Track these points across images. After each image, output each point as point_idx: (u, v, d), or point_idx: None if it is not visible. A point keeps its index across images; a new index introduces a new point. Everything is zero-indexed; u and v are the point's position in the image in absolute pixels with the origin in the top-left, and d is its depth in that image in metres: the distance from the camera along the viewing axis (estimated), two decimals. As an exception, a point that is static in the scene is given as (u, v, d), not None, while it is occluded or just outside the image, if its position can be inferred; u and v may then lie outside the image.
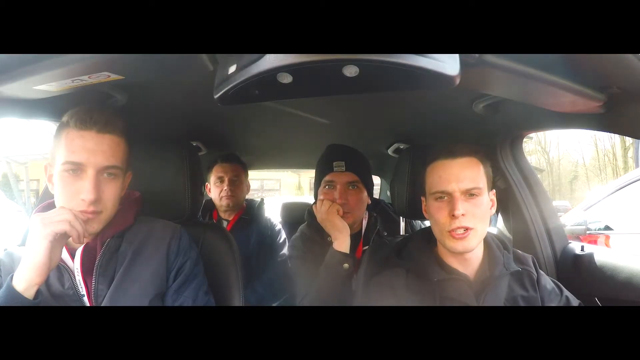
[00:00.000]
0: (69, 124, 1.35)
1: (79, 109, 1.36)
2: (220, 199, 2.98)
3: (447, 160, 1.50)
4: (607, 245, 4.76)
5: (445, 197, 1.48)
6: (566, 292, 1.60)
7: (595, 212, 5.19)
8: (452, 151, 1.51)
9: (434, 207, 1.51)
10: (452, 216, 1.44)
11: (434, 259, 1.55)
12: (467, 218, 1.43)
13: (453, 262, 1.52)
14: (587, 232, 4.87)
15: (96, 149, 1.34)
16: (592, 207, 5.31)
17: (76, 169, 1.33)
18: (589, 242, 4.68)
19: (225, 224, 3.02)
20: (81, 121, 1.34)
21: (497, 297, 1.48)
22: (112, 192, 1.39)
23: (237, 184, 3.02)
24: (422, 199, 1.58)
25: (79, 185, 1.32)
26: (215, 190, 3.02)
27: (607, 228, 4.93)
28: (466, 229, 1.43)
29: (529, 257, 1.65)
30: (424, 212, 1.59)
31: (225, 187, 2.96)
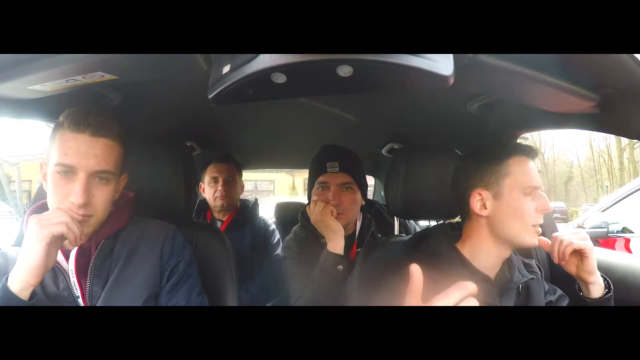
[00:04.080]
0: (64, 125, 1.34)
1: (75, 110, 1.35)
2: (215, 199, 2.98)
3: (527, 158, 1.50)
4: (627, 249, 4.61)
5: (533, 192, 1.47)
6: (560, 292, 1.60)
7: (613, 213, 5.05)
8: (535, 151, 1.52)
9: (523, 201, 1.47)
10: (543, 210, 1.46)
11: (456, 257, 1.52)
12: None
13: (477, 262, 1.49)
14: (609, 234, 4.72)
15: (89, 152, 1.33)
16: (610, 208, 5.17)
17: (68, 171, 1.32)
18: (608, 246, 4.56)
19: (219, 224, 3.02)
20: (75, 123, 1.33)
21: (511, 303, 1.48)
22: (103, 196, 1.38)
23: (232, 185, 3.01)
24: (480, 193, 1.51)
25: (70, 188, 1.32)
26: (209, 190, 3.01)
27: (627, 230, 4.79)
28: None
29: (532, 262, 1.65)
30: (477, 208, 1.51)
31: (220, 188, 2.95)
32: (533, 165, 1.49)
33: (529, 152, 1.50)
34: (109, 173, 1.38)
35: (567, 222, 22.43)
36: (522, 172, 1.49)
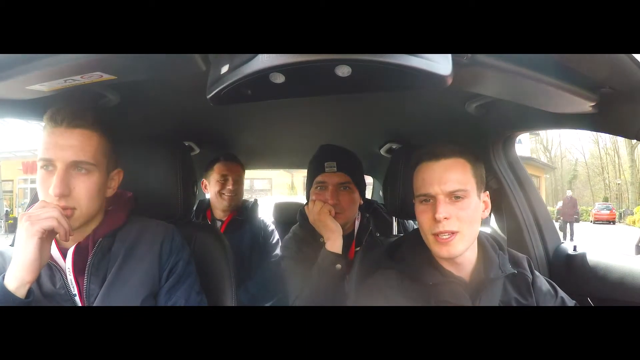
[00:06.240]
0: (45, 124, 1.36)
1: (52, 108, 1.37)
2: (222, 197, 2.95)
3: (431, 162, 1.46)
4: None
5: (430, 200, 1.44)
6: (561, 293, 1.58)
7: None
8: (436, 153, 1.47)
9: (419, 210, 1.47)
10: (435, 219, 1.40)
11: (428, 261, 1.51)
12: (452, 222, 1.39)
13: (447, 265, 1.48)
14: None
15: (65, 144, 1.33)
16: None
17: (48, 165, 1.33)
18: None
19: (219, 224, 3.00)
20: (52, 119, 1.35)
21: (493, 300, 1.45)
22: (84, 188, 1.36)
23: (239, 184, 3.00)
24: (413, 202, 1.54)
25: (51, 181, 1.32)
26: (217, 188, 2.96)
27: None
28: (451, 233, 1.39)
29: (524, 258, 1.61)
30: (415, 215, 1.55)
31: (230, 187, 2.93)
32: (437, 170, 1.45)
33: (432, 155, 1.48)
34: (88, 164, 1.37)
35: (578, 221, 22.19)
36: (418, 179, 1.49)
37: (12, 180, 27.65)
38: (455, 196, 1.41)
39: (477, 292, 1.44)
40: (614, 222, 33.83)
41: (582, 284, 1.96)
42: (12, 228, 22.72)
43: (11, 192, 28.02)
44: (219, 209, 3.04)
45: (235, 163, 3.03)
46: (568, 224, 21.27)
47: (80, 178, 1.36)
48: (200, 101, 1.20)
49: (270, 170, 5.95)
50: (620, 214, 36.76)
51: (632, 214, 33.81)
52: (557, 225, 21.83)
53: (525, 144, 35.38)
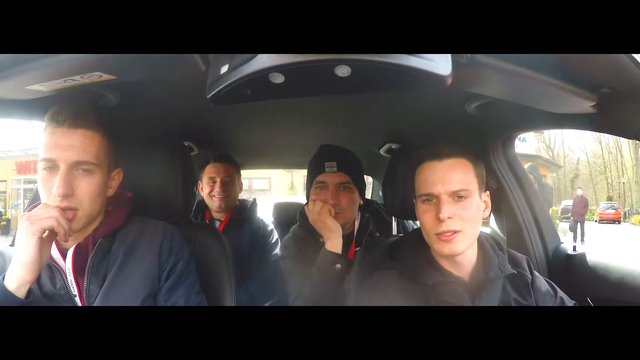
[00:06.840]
0: (46, 124, 1.36)
1: (53, 108, 1.36)
2: (213, 199, 2.95)
3: (434, 162, 1.46)
4: None
5: (432, 200, 1.44)
6: (560, 293, 1.58)
7: None
8: (438, 153, 1.47)
9: (421, 209, 1.47)
10: (438, 219, 1.40)
11: (428, 261, 1.51)
12: (455, 221, 1.40)
13: (447, 265, 1.48)
14: None
15: (67, 144, 1.34)
16: None
17: (51, 165, 1.33)
18: None
19: (217, 224, 3.00)
20: (53, 119, 1.34)
21: (492, 300, 1.45)
22: (87, 188, 1.37)
23: (229, 185, 2.98)
24: (414, 201, 1.54)
25: (54, 182, 1.32)
26: (207, 190, 2.98)
27: None
28: (454, 232, 1.39)
29: (523, 259, 1.62)
30: (417, 215, 1.57)
31: (218, 188, 2.93)
32: (440, 170, 1.45)
33: (434, 155, 1.48)
34: (90, 164, 1.37)
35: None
36: (420, 179, 1.49)
37: (5, 181, 27.50)
38: (458, 196, 1.41)
39: (476, 292, 1.44)
40: (619, 222, 33.64)
41: (582, 284, 1.96)
42: (5, 229, 22.64)
43: (4, 192, 27.89)
44: (213, 209, 3.04)
45: (226, 163, 3.03)
46: (579, 224, 20.46)
47: (82, 178, 1.36)
48: (200, 101, 1.20)
49: (270, 170, 5.94)
50: (625, 213, 36.65)
51: (638, 213, 33.69)
52: (567, 225, 21.47)
53: (530, 143, 35.20)
